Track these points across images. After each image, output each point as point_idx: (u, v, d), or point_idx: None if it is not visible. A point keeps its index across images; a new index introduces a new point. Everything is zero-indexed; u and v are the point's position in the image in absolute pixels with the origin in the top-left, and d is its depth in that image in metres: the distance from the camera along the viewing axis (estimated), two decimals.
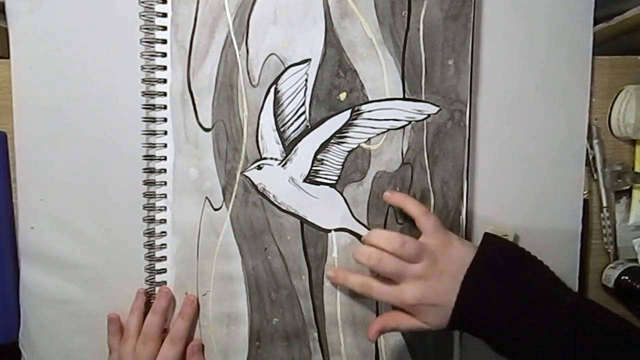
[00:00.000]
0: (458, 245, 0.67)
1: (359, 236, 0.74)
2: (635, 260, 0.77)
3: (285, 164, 0.73)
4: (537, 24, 0.74)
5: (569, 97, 0.75)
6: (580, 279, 0.78)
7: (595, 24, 0.75)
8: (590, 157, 0.77)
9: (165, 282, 0.73)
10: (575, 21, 0.74)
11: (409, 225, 0.74)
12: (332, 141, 0.73)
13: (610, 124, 0.77)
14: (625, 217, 0.78)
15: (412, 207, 0.70)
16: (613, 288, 0.77)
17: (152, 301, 0.73)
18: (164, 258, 0.73)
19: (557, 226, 0.76)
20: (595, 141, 0.77)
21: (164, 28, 0.71)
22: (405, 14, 0.71)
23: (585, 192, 0.77)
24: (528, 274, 0.65)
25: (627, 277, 0.75)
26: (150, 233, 0.73)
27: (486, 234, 0.70)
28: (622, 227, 0.78)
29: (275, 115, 0.72)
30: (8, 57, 0.71)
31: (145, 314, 0.72)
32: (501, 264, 0.65)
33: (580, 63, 0.75)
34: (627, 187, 0.78)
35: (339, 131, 0.72)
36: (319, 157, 0.73)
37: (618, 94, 0.77)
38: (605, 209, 0.78)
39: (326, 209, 0.74)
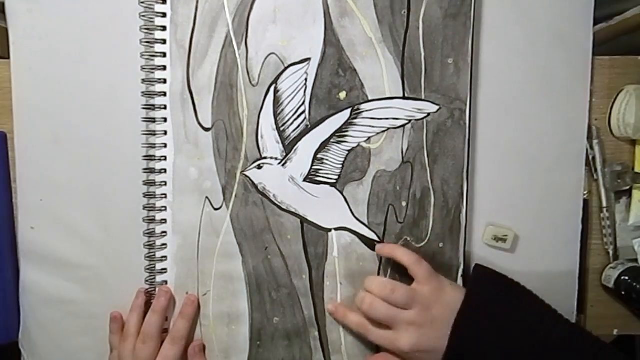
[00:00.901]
0: (450, 290, 0.68)
1: (359, 235, 0.74)
2: (635, 260, 0.77)
3: (285, 163, 0.73)
4: (537, 24, 0.73)
5: (569, 97, 0.75)
6: (580, 279, 0.77)
7: (595, 24, 0.75)
8: (590, 157, 0.77)
9: (166, 282, 0.73)
10: (575, 21, 0.74)
11: (409, 225, 0.74)
12: (332, 140, 0.73)
13: (610, 124, 0.77)
14: (625, 217, 0.78)
15: (403, 256, 0.70)
16: (613, 288, 0.76)
17: (152, 301, 0.73)
18: (164, 258, 0.73)
19: (557, 226, 0.76)
20: (595, 141, 0.76)
21: (164, 28, 0.71)
22: (404, 12, 0.71)
23: (585, 192, 0.77)
24: (518, 310, 0.66)
25: (627, 277, 0.75)
26: (150, 233, 0.73)
27: (476, 267, 0.72)
28: (622, 227, 0.78)
29: (275, 115, 0.72)
30: (8, 57, 0.71)
31: (145, 313, 0.72)
32: (491, 302, 0.66)
33: (580, 63, 0.75)
34: (627, 187, 0.77)
35: (339, 130, 0.72)
36: (319, 156, 0.73)
37: (618, 94, 0.76)
38: (605, 209, 0.77)
39: (326, 208, 0.74)
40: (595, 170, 0.77)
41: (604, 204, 0.77)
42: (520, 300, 0.68)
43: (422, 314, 0.66)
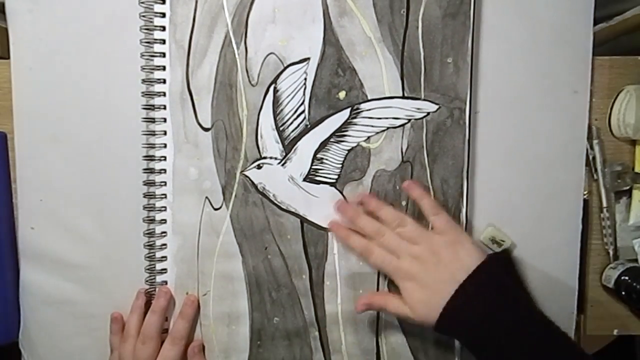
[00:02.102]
0: (469, 247, 0.67)
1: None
2: (635, 260, 0.77)
3: (285, 163, 0.73)
4: (537, 24, 0.73)
5: (569, 97, 0.75)
6: (580, 279, 0.77)
7: (595, 24, 0.75)
8: (590, 157, 0.76)
9: (165, 282, 0.73)
10: (575, 21, 0.74)
11: None
12: (331, 140, 0.73)
13: (610, 124, 0.77)
14: (625, 217, 0.78)
15: (426, 204, 0.70)
16: (613, 288, 0.76)
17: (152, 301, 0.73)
18: (164, 258, 0.73)
19: (557, 226, 0.76)
20: (595, 141, 0.76)
21: (163, 28, 0.71)
22: (403, 12, 0.71)
23: (585, 192, 0.77)
24: (524, 298, 0.68)
25: (627, 277, 0.74)
26: (150, 233, 0.73)
27: (492, 255, 0.72)
28: (622, 227, 0.78)
29: (275, 115, 0.72)
30: (8, 57, 0.71)
31: (145, 314, 0.72)
32: (502, 281, 0.65)
33: (580, 63, 0.75)
34: (627, 187, 0.77)
35: (339, 130, 0.72)
36: (318, 156, 0.73)
37: (618, 94, 0.76)
38: (605, 209, 0.77)
39: (326, 207, 0.73)
40: (595, 170, 0.77)
41: (604, 204, 0.77)
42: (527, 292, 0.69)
43: (428, 252, 0.66)
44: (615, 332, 0.80)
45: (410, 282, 0.66)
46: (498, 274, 0.66)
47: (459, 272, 0.64)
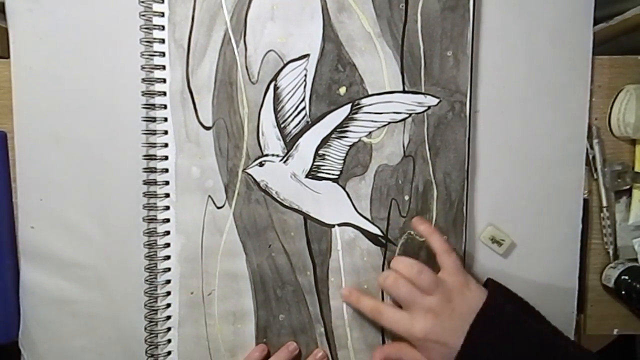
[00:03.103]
0: (474, 288, 0.67)
1: (362, 230, 0.74)
2: (635, 260, 0.77)
3: (286, 160, 0.73)
4: (537, 24, 0.74)
5: (569, 97, 0.75)
6: (580, 279, 0.77)
7: (595, 24, 0.75)
8: (590, 157, 0.76)
9: (169, 281, 0.73)
10: (575, 21, 0.74)
11: (413, 218, 0.73)
12: (333, 136, 0.73)
13: (610, 124, 0.77)
14: (625, 217, 0.78)
15: (436, 242, 0.70)
16: (613, 288, 0.76)
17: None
18: (167, 257, 0.73)
19: (557, 226, 0.76)
20: (595, 141, 0.76)
21: (162, 27, 0.71)
22: (402, 6, 0.71)
23: (585, 192, 0.77)
24: (534, 324, 0.66)
25: (627, 277, 0.74)
26: (150, 233, 0.72)
27: (489, 280, 0.73)
28: (622, 227, 0.78)
29: (276, 112, 0.72)
30: (8, 57, 0.71)
31: None
32: (509, 312, 0.66)
33: (580, 63, 0.75)
34: (627, 187, 0.77)
35: (340, 126, 0.72)
36: (320, 152, 0.73)
37: (618, 94, 0.76)
38: (605, 209, 0.77)
39: (329, 204, 0.73)
40: (595, 170, 0.77)
41: (604, 203, 0.77)
42: (534, 315, 0.69)
43: (442, 303, 0.65)
44: (615, 331, 0.80)
45: (425, 341, 0.65)
46: (501, 306, 0.66)
47: (469, 315, 0.64)
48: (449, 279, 0.67)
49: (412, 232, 0.74)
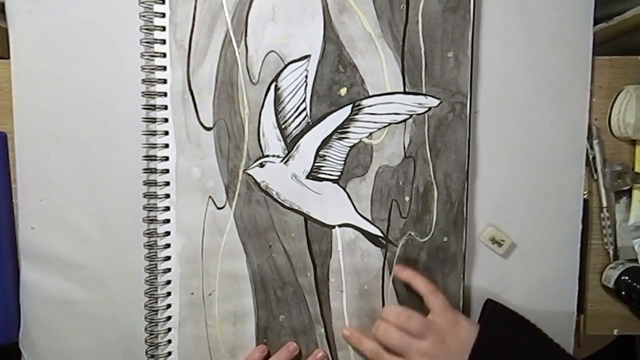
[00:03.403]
0: (465, 325, 0.68)
1: (363, 231, 0.74)
2: (635, 260, 0.77)
3: (287, 160, 0.73)
4: (537, 24, 0.74)
5: (569, 97, 0.75)
6: (580, 279, 0.77)
7: (595, 24, 0.75)
8: (590, 157, 0.77)
9: (169, 282, 0.73)
10: (575, 21, 0.74)
11: (413, 220, 0.73)
12: (333, 137, 0.73)
13: (610, 124, 0.77)
14: (625, 217, 0.78)
15: (420, 285, 0.71)
16: (613, 288, 0.76)
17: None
18: (168, 258, 0.73)
19: (557, 226, 0.76)
20: (595, 141, 0.76)
21: (163, 28, 0.71)
22: (403, 7, 0.71)
23: (585, 192, 0.77)
24: (529, 345, 0.67)
25: (627, 277, 0.75)
26: (150, 233, 0.72)
27: (487, 302, 0.73)
28: (622, 227, 0.78)
29: (276, 112, 0.72)
30: (8, 57, 0.71)
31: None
32: (502, 340, 0.66)
33: (580, 63, 0.75)
34: (627, 187, 0.77)
35: (340, 127, 0.72)
36: (321, 153, 0.73)
37: (618, 94, 0.76)
38: (605, 209, 0.77)
39: (329, 204, 0.73)
40: (595, 170, 0.77)
41: (604, 204, 0.77)
42: (531, 337, 0.69)
43: (436, 345, 0.66)
44: (615, 332, 0.80)
45: None
46: (493, 338, 0.67)
47: (464, 352, 0.65)
48: (439, 320, 0.67)
49: (412, 233, 0.74)
